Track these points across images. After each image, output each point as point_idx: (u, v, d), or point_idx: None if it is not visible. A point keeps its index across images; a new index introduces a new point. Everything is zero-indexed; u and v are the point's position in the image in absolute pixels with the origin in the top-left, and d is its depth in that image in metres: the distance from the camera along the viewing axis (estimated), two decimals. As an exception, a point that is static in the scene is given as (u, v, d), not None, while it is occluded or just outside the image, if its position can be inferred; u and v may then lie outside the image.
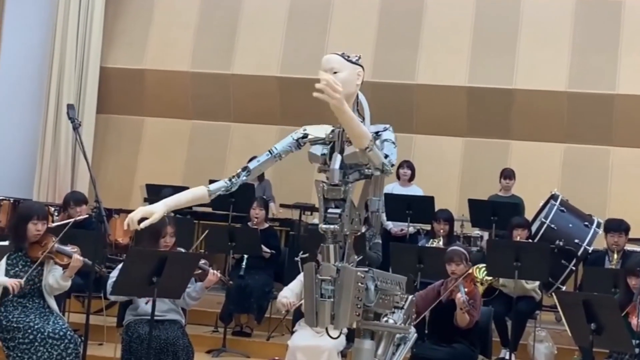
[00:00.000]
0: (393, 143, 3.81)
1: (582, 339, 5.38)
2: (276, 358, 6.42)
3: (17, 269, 5.43)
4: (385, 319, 3.91)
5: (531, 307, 7.50)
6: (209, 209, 9.29)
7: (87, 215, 6.97)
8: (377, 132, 3.84)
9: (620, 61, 10.41)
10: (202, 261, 5.89)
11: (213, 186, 3.92)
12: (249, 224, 8.30)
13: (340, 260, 3.73)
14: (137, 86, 11.46)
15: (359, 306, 3.69)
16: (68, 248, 5.49)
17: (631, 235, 7.78)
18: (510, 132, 10.71)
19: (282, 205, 9.91)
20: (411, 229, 8.96)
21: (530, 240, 7.60)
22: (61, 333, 5.30)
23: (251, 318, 7.93)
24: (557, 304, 5.55)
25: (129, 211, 9.31)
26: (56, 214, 8.51)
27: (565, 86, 10.51)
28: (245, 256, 7.92)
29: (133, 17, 11.61)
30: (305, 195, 9.84)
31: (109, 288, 5.68)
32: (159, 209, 3.80)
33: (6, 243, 5.50)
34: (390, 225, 9.00)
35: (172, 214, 8.51)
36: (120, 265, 5.70)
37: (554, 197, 8.06)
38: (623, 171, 10.33)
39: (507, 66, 10.65)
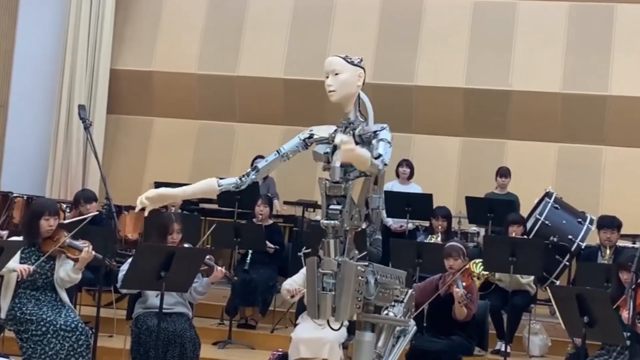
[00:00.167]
0: (388, 143, 3.82)
1: (575, 332, 5.39)
2: (280, 350, 6.41)
3: (29, 262, 5.42)
4: (385, 312, 3.92)
5: (526, 300, 7.50)
6: (215, 206, 9.29)
7: (97, 212, 6.99)
8: (375, 132, 3.86)
9: (613, 63, 10.40)
10: (208, 257, 5.90)
11: (224, 181, 3.99)
12: (254, 220, 8.29)
13: (341, 254, 3.74)
14: (146, 88, 11.46)
15: (359, 299, 3.70)
16: (79, 243, 5.50)
17: (623, 231, 7.77)
18: (506, 131, 10.69)
19: (285, 203, 9.91)
20: (410, 226, 8.95)
21: (525, 237, 7.59)
22: (73, 325, 5.31)
23: (256, 311, 7.93)
24: (551, 297, 5.54)
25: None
26: (68, 210, 8.52)
27: (560, 87, 10.50)
28: (250, 251, 7.91)
29: (142, 21, 11.62)
30: (308, 193, 9.84)
31: (119, 282, 5.70)
32: (176, 193, 3.95)
33: (20, 238, 5.51)
34: (390, 221, 8.99)
35: (180, 211, 8.55)
36: (130, 259, 5.70)
37: (548, 194, 8.06)
38: (615, 170, 10.32)
39: (504, 68, 10.65)
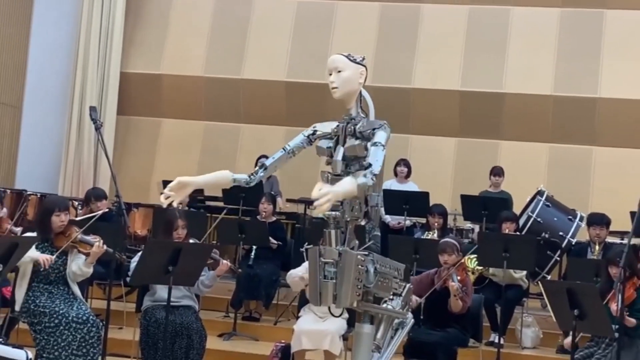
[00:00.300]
0: (382, 146, 3.79)
1: (566, 324, 5.39)
2: (283, 341, 6.41)
3: (45, 257, 5.44)
4: (384, 304, 3.93)
5: (519, 294, 7.50)
6: (221, 203, 9.29)
7: (107, 209, 7.00)
8: (373, 129, 3.86)
9: (603, 67, 10.40)
10: (214, 251, 5.91)
11: (237, 175, 4.04)
12: (258, 217, 8.30)
13: (342, 244, 3.77)
14: (155, 90, 11.48)
15: (359, 287, 3.71)
16: (90, 238, 5.51)
17: (612, 228, 7.77)
18: (500, 132, 10.70)
19: (288, 200, 9.91)
20: (408, 222, 8.96)
21: (518, 233, 7.59)
22: (84, 317, 5.32)
23: (260, 304, 7.94)
24: (543, 291, 5.54)
25: (147, 205, 9.40)
26: (79, 207, 8.55)
27: (552, 90, 10.50)
28: (254, 247, 7.92)
29: (151, 26, 11.63)
30: (310, 191, 9.76)
31: (130, 274, 5.71)
32: (194, 180, 4.05)
33: (34, 234, 5.53)
34: (388, 218, 9.00)
35: (187, 208, 8.55)
36: (140, 253, 5.71)
37: (540, 193, 8.06)
38: (605, 169, 10.32)
39: (498, 71, 10.65)
